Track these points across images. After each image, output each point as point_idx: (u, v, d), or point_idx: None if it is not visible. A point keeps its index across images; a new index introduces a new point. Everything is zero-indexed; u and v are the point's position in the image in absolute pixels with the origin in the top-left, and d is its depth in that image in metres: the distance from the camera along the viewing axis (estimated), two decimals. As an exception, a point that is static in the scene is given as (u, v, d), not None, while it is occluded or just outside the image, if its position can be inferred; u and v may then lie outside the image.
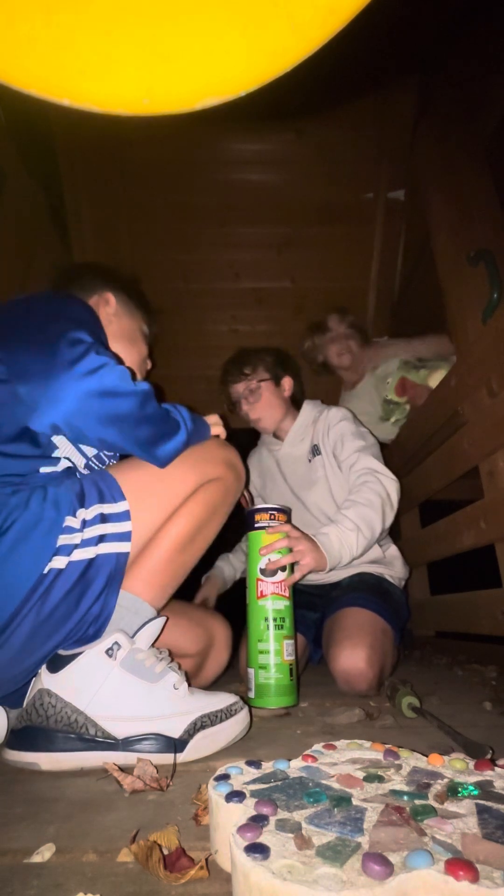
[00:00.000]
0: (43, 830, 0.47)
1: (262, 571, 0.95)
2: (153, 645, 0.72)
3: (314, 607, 1.30)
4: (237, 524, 1.01)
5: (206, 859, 0.39)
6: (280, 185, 2.08)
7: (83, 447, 0.83)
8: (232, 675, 1.24)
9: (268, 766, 0.46)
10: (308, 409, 1.46)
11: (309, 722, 0.85)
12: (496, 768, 0.45)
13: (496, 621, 1.23)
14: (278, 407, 1.42)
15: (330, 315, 2.05)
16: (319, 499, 1.37)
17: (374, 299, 2.36)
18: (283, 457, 1.47)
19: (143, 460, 0.78)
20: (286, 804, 0.38)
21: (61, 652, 0.67)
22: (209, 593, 1.43)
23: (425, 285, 1.95)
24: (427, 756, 0.48)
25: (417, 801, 0.38)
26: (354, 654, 1.01)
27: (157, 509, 0.77)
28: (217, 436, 0.92)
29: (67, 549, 0.70)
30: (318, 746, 0.51)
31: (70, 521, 0.71)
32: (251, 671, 0.91)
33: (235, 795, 0.39)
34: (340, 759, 0.48)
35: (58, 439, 0.79)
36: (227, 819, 0.37)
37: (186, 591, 0.92)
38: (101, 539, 0.72)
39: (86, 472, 0.83)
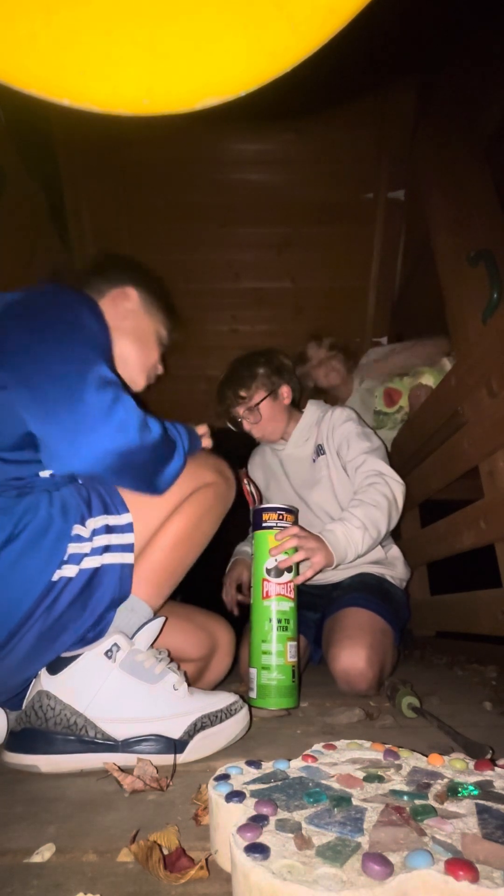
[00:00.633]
0: (43, 830, 0.47)
1: (268, 572, 0.95)
2: (152, 645, 0.72)
3: (315, 607, 1.30)
4: (236, 529, 1.01)
5: (206, 859, 0.39)
6: (280, 185, 2.08)
7: None
8: (232, 675, 1.24)
9: (268, 766, 0.46)
10: (312, 409, 1.45)
11: (309, 722, 0.85)
12: (496, 768, 0.45)
13: (496, 621, 1.23)
14: (280, 420, 1.39)
15: (307, 344, 2.09)
16: (322, 499, 1.37)
17: (374, 299, 2.36)
18: (287, 457, 1.47)
19: None
20: (286, 804, 0.38)
21: (61, 654, 0.67)
22: (241, 573, 1.40)
23: (425, 285, 1.95)
24: (427, 756, 0.48)
25: (417, 801, 0.38)
26: (354, 653, 1.01)
27: (154, 516, 0.79)
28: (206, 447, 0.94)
29: (77, 558, 0.70)
30: (318, 746, 0.51)
31: (79, 530, 0.72)
32: (253, 671, 0.91)
33: (235, 795, 0.39)
34: (340, 759, 0.48)
35: None
36: (227, 819, 0.37)
37: (191, 597, 0.92)
38: (106, 549, 0.73)
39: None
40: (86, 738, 0.62)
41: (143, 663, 0.66)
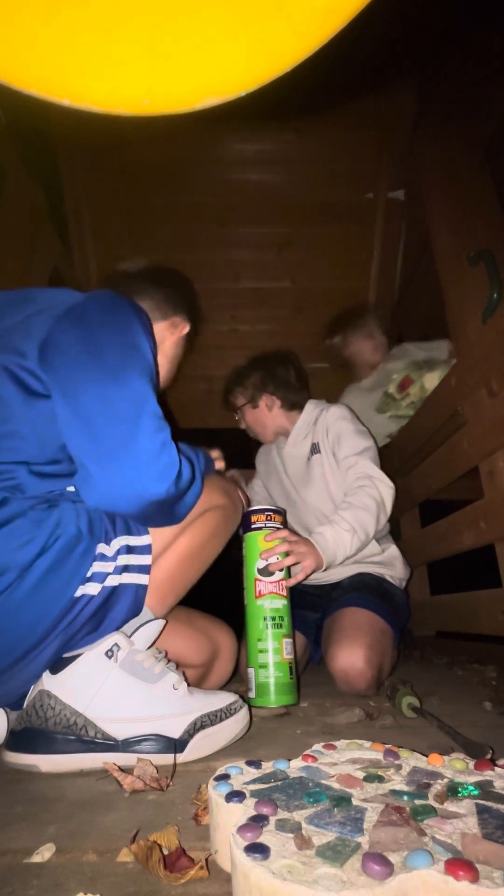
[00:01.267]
0: (43, 830, 0.47)
1: (260, 572, 0.96)
2: (152, 646, 0.72)
3: (315, 607, 1.31)
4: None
5: (206, 859, 0.39)
6: (280, 185, 2.08)
7: None
8: (232, 675, 1.24)
9: (268, 766, 0.46)
10: (310, 408, 1.49)
11: (309, 722, 0.85)
12: (496, 768, 0.45)
13: (496, 621, 1.23)
14: (265, 425, 1.50)
15: (369, 316, 2.08)
16: (316, 496, 1.40)
17: (374, 299, 2.36)
18: (287, 455, 1.51)
19: None
20: (286, 804, 0.38)
21: None
22: (237, 477, 1.47)
23: (425, 285, 1.95)
24: (427, 756, 0.48)
25: (417, 801, 0.38)
26: (353, 653, 1.01)
27: (166, 534, 0.80)
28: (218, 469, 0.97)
29: (101, 577, 0.71)
30: (318, 746, 0.51)
31: (103, 548, 0.72)
32: (251, 671, 0.91)
33: (235, 795, 0.39)
34: (340, 759, 0.48)
35: None
36: (227, 819, 0.37)
37: (193, 602, 0.92)
38: (125, 569, 0.74)
39: None
40: (86, 738, 0.62)
41: (143, 663, 0.66)
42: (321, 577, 1.31)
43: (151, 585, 0.76)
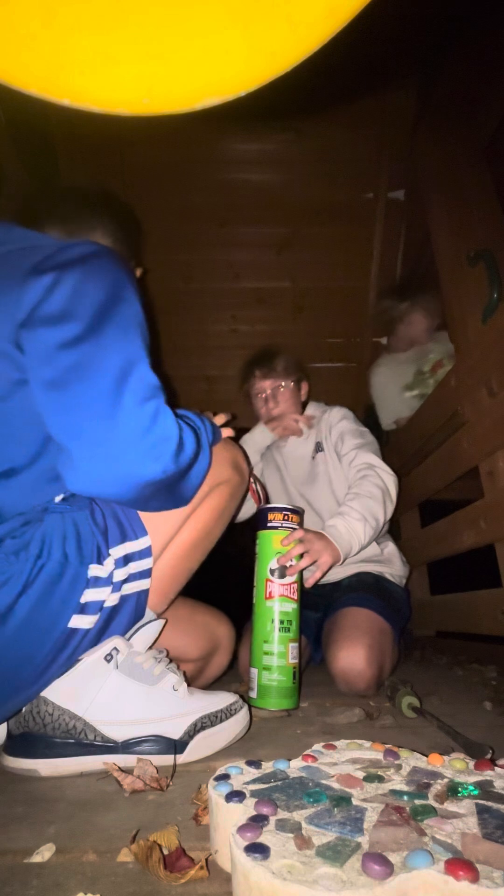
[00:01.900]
0: (43, 830, 0.47)
1: (272, 572, 0.94)
2: (152, 646, 0.72)
3: (315, 607, 1.31)
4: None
5: (206, 859, 0.39)
6: (280, 185, 2.07)
7: None
8: (232, 676, 1.24)
9: (268, 766, 0.46)
10: (312, 409, 1.54)
11: (309, 722, 0.85)
12: (496, 768, 0.45)
13: (496, 621, 1.23)
14: (297, 410, 1.51)
15: (431, 296, 2.03)
16: (320, 495, 1.42)
17: (374, 299, 2.36)
18: (288, 454, 1.52)
19: None
20: (286, 804, 0.38)
21: None
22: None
23: (425, 285, 1.94)
24: (427, 756, 0.48)
25: (417, 801, 0.38)
26: (352, 653, 1.01)
27: (169, 527, 0.74)
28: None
29: (96, 607, 0.64)
30: (318, 746, 0.51)
31: (96, 570, 0.64)
32: (254, 671, 0.90)
33: (235, 795, 0.39)
34: (340, 759, 0.48)
35: None
36: (227, 819, 0.37)
37: (192, 590, 0.91)
38: (125, 581, 0.68)
39: None
40: (85, 741, 0.62)
41: (142, 665, 0.66)
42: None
43: (153, 585, 0.72)
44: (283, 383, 1.48)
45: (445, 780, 0.42)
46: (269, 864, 0.30)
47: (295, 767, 0.46)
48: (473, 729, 0.75)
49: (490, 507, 1.24)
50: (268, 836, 0.33)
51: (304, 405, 1.55)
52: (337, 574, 1.30)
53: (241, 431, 1.57)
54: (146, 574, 0.71)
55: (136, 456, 0.58)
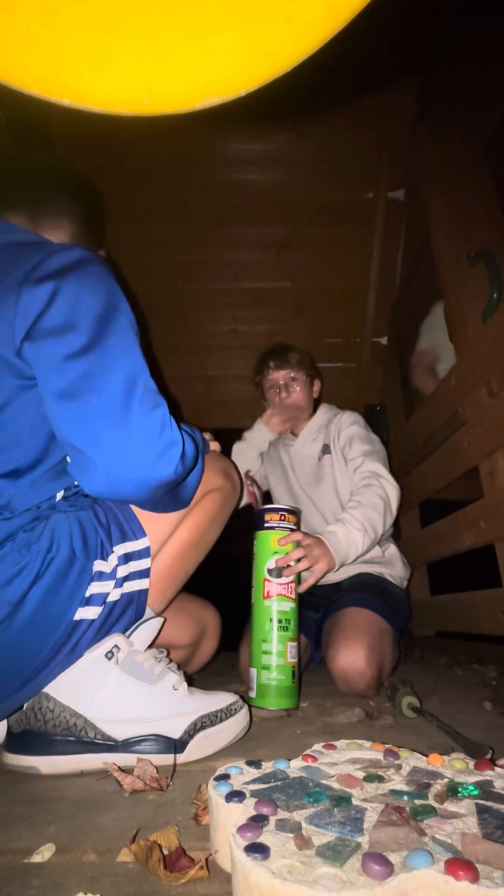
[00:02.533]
0: (43, 830, 0.47)
1: (270, 572, 0.95)
2: (152, 645, 0.72)
3: (316, 607, 1.31)
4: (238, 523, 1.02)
5: (206, 859, 0.39)
6: (280, 185, 2.07)
7: None
8: (232, 676, 1.24)
9: (268, 766, 0.46)
10: (323, 411, 1.55)
11: (309, 722, 0.85)
12: (496, 768, 0.45)
13: (496, 621, 1.23)
14: (308, 405, 1.52)
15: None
16: (325, 495, 1.43)
17: (374, 299, 2.36)
18: (295, 453, 1.54)
19: None
20: (286, 804, 0.38)
21: None
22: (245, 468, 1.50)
23: (425, 285, 1.94)
24: (427, 756, 0.48)
25: (417, 801, 0.38)
26: (352, 653, 1.01)
27: (164, 528, 0.78)
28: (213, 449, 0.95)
29: (100, 598, 0.68)
30: (318, 746, 0.51)
31: (100, 566, 0.69)
32: (253, 671, 0.91)
33: (235, 795, 0.39)
34: (340, 759, 0.48)
35: None
36: (227, 819, 0.37)
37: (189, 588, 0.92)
38: (126, 579, 0.72)
39: None
40: (85, 739, 0.62)
41: (143, 664, 0.66)
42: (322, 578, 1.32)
43: (152, 585, 0.75)
44: (296, 375, 1.50)
45: (445, 780, 0.42)
46: (269, 864, 0.30)
47: (295, 767, 0.46)
48: (473, 729, 0.75)
49: (490, 507, 1.24)
50: (268, 836, 0.33)
51: (315, 404, 1.56)
52: (338, 575, 1.30)
53: (241, 431, 1.58)
54: (145, 574, 0.74)
55: (151, 460, 0.62)
